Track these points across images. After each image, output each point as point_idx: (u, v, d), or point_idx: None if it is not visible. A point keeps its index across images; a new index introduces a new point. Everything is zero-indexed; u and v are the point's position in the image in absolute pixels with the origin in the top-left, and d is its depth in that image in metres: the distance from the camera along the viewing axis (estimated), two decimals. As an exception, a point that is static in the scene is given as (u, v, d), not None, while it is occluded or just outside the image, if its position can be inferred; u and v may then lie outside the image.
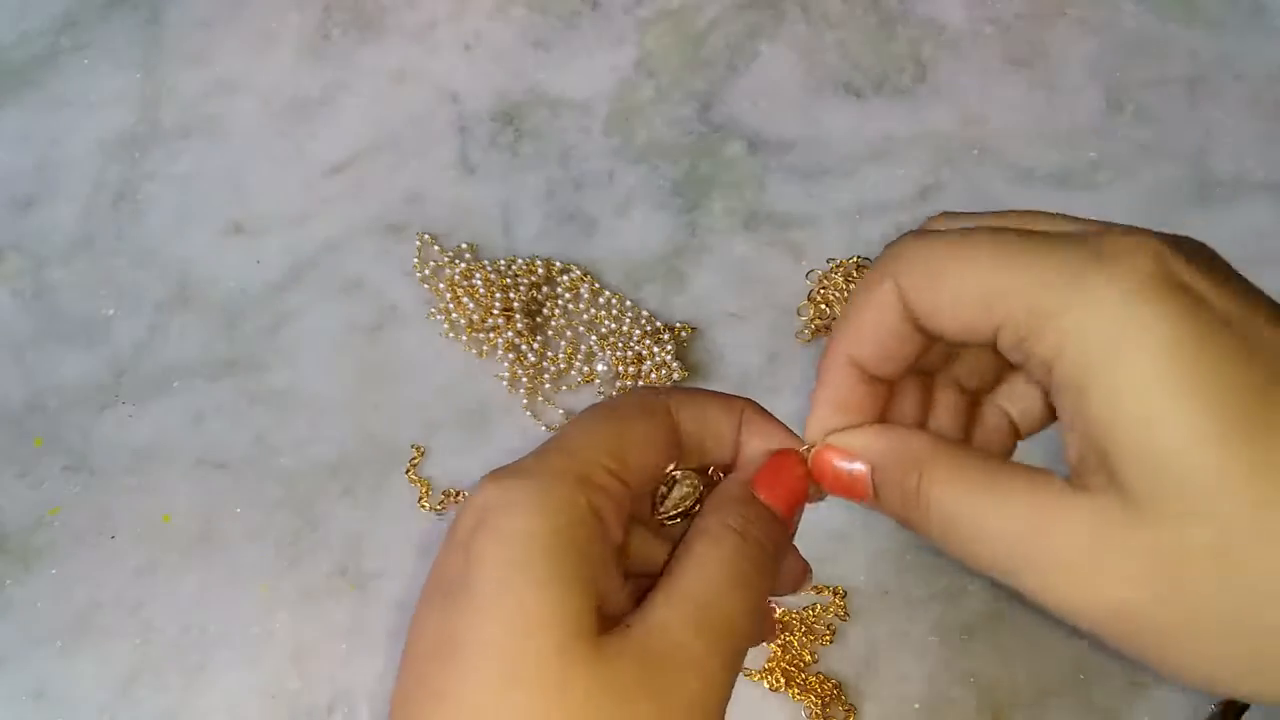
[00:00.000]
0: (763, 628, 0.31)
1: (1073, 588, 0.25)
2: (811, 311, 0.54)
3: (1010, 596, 0.48)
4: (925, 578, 0.48)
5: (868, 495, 0.29)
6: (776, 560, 0.30)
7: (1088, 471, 0.25)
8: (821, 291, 0.54)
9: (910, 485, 0.28)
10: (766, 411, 0.32)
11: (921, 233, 0.28)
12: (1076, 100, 0.59)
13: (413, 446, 0.51)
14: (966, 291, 0.26)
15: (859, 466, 0.29)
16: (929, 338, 0.29)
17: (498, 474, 0.27)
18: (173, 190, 0.57)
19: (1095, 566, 0.24)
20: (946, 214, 0.30)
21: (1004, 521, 0.26)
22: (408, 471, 0.51)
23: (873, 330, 0.29)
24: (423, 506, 0.50)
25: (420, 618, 0.27)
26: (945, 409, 0.32)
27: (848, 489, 0.30)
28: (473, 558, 0.26)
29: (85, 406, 0.52)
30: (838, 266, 0.54)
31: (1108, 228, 0.26)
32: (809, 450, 0.31)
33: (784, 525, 0.30)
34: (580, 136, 0.59)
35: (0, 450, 0.51)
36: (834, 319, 0.54)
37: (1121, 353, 0.23)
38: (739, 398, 0.32)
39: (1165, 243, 0.24)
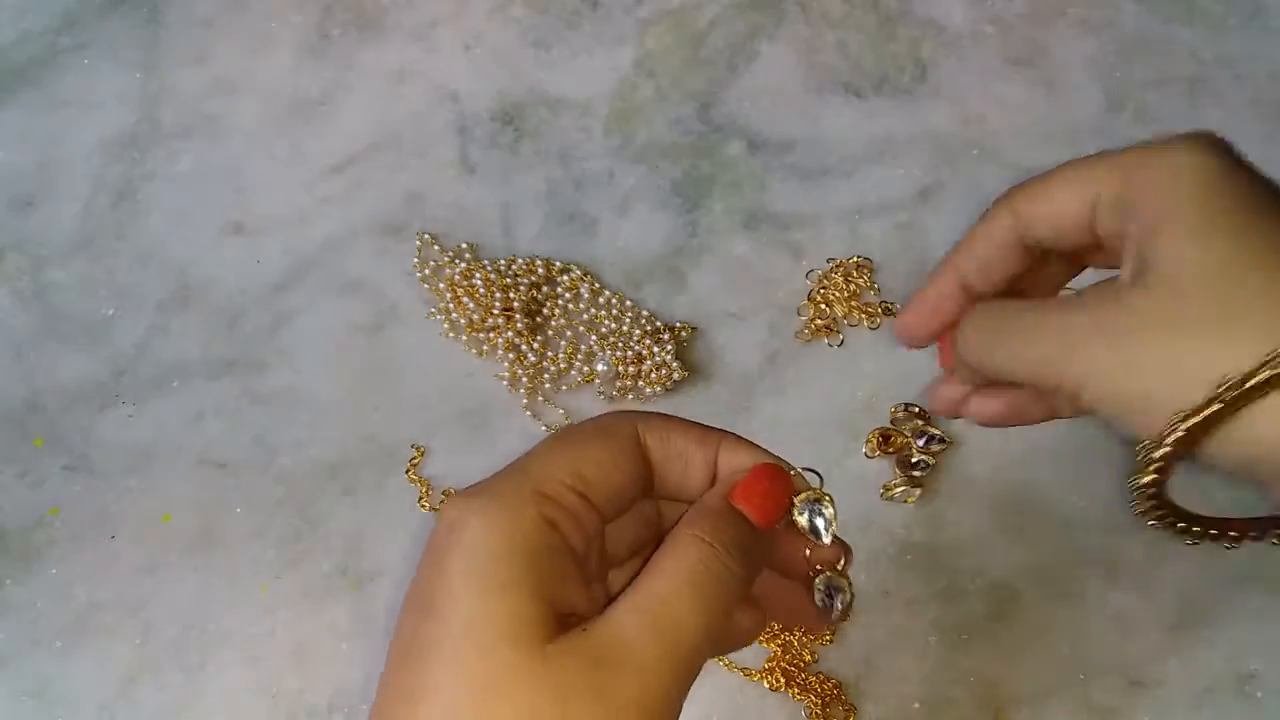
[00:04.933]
0: (730, 637, 0.31)
1: (1088, 354, 0.29)
2: (811, 311, 0.54)
3: (1010, 596, 0.48)
4: (925, 578, 0.48)
5: (949, 361, 0.36)
6: (744, 572, 0.30)
7: (1127, 274, 0.30)
8: (821, 291, 0.54)
9: (964, 325, 0.34)
10: (748, 440, 0.33)
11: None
12: (1076, 100, 0.59)
13: (413, 446, 0.51)
14: (1070, 186, 0.33)
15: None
16: (1031, 256, 0.34)
17: (463, 492, 0.29)
18: (173, 190, 0.57)
19: (1113, 326, 0.29)
20: None
21: (1029, 330, 0.32)
22: (408, 471, 0.51)
23: (983, 245, 0.34)
24: (423, 506, 0.50)
25: (397, 628, 0.29)
26: None
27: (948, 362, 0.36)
28: (439, 570, 0.28)
29: (85, 406, 0.52)
30: (838, 266, 0.54)
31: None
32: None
33: (759, 537, 0.30)
34: (580, 136, 0.59)
35: (0, 450, 0.51)
36: (834, 319, 0.54)
37: (1176, 187, 0.30)
38: (717, 430, 0.33)
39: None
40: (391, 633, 0.50)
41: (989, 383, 0.36)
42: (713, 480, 0.32)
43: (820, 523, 0.32)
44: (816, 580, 0.32)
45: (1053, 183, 0.34)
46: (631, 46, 0.61)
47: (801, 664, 0.47)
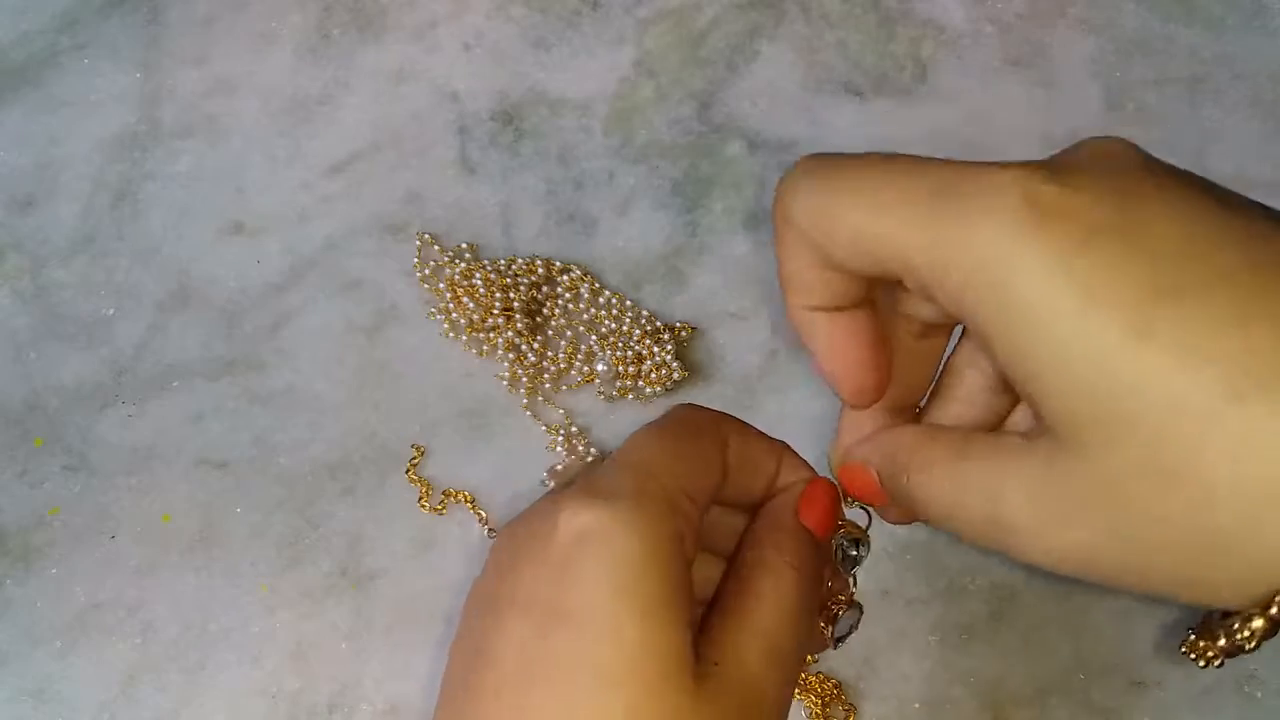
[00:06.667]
0: None
1: (1036, 542, 0.24)
2: (811, 311, 0.54)
3: (1010, 596, 0.48)
4: (925, 578, 0.48)
5: (886, 499, 0.30)
6: (820, 591, 0.30)
7: (1033, 418, 0.25)
8: (821, 291, 0.54)
9: (901, 486, 0.28)
10: (800, 456, 0.33)
11: (809, 163, 0.26)
12: (1076, 100, 0.59)
13: (413, 446, 0.51)
14: (855, 241, 0.25)
15: (874, 480, 0.30)
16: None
17: (587, 494, 0.26)
18: (173, 190, 0.57)
19: (1047, 517, 0.24)
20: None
21: (971, 494, 0.26)
22: (408, 471, 0.51)
23: (808, 278, 0.27)
24: (423, 506, 0.50)
25: (495, 631, 0.26)
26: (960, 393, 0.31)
27: (872, 496, 0.31)
28: (572, 579, 0.25)
29: (85, 406, 0.52)
30: (838, 266, 0.54)
31: (968, 166, 0.24)
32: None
33: (822, 552, 0.31)
34: (580, 136, 0.59)
35: (0, 450, 0.51)
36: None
37: (1008, 292, 0.22)
38: (778, 441, 0.32)
39: (1027, 168, 0.23)
40: (392, 632, 0.50)
41: None
42: (769, 490, 0.32)
43: (855, 553, 0.32)
44: (837, 610, 0.33)
45: (831, 211, 0.25)
46: (631, 46, 0.61)
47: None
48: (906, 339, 0.30)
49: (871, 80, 0.60)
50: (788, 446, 0.32)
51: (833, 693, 0.46)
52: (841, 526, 0.32)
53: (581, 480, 0.28)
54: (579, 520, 0.26)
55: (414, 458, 0.51)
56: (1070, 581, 0.48)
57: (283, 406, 0.52)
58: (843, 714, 0.46)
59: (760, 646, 0.27)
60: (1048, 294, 0.22)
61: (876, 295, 0.29)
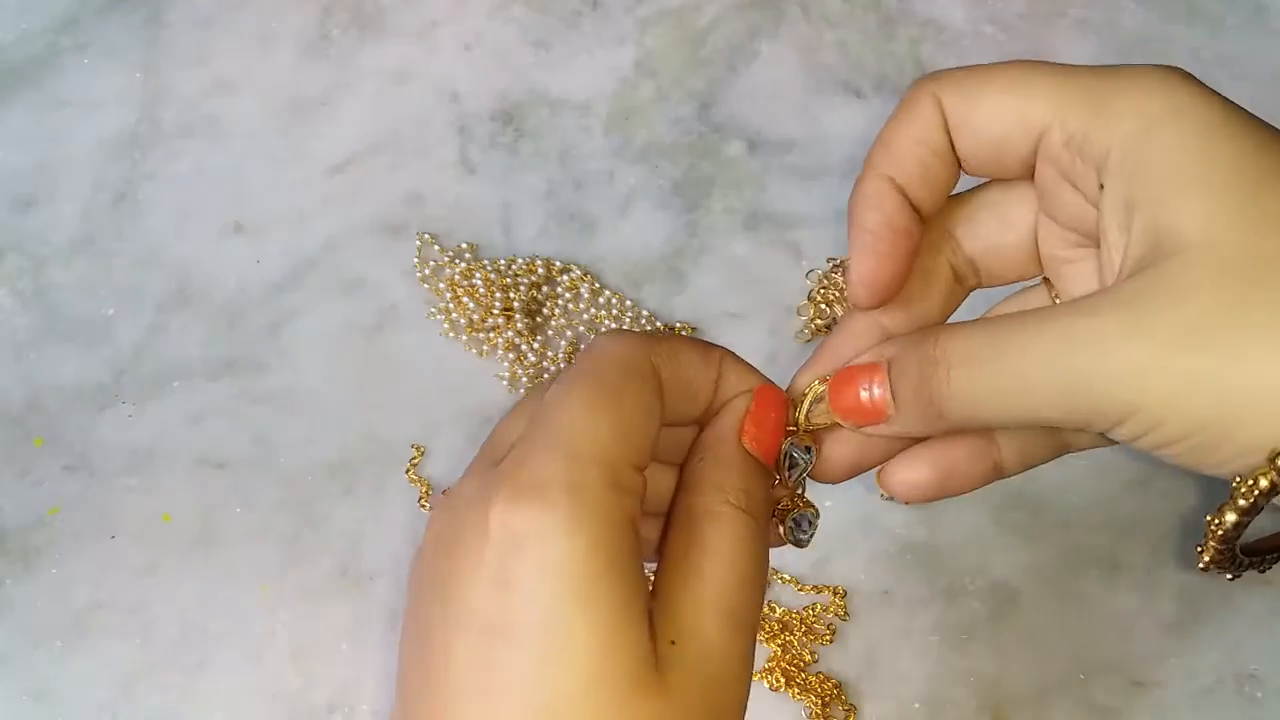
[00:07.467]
0: None
1: (1137, 361, 0.24)
2: (811, 311, 0.54)
3: (1010, 596, 0.48)
4: (925, 578, 0.48)
5: (886, 409, 0.28)
6: (770, 523, 0.29)
7: (1131, 261, 0.25)
8: (821, 291, 0.54)
9: (927, 353, 0.26)
10: (744, 360, 0.30)
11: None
12: (1076, 100, 0.59)
13: (413, 446, 0.51)
14: (1007, 98, 0.27)
15: (877, 390, 0.28)
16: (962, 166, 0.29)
17: (517, 489, 0.24)
18: (173, 190, 0.57)
19: (1157, 321, 0.24)
20: None
21: (1038, 345, 0.25)
22: (408, 471, 0.51)
23: (910, 151, 0.28)
24: (423, 506, 0.50)
25: (440, 644, 0.24)
26: None
27: (867, 411, 0.28)
28: (512, 592, 0.23)
29: (85, 406, 0.52)
30: (838, 266, 0.54)
31: None
32: (822, 382, 0.30)
33: (771, 478, 0.29)
34: (580, 136, 0.59)
35: (0, 450, 0.51)
36: (834, 319, 0.54)
37: (1176, 119, 0.25)
38: (716, 345, 0.30)
39: None
40: (392, 633, 0.50)
41: (912, 442, 0.30)
42: (709, 408, 0.29)
43: (801, 459, 0.30)
44: (791, 514, 0.31)
45: (984, 77, 0.27)
46: (631, 46, 0.61)
47: (801, 664, 0.47)
48: (943, 280, 0.31)
49: (871, 80, 0.60)
50: (728, 352, 0.30)
51: (833, 693, 0.46)
52: (789, 434, 0.30)
53: (509, 463, 0.25)
54: (513, 523, 0.23)
55: (414, 458, 0.51)
56: (1070, 581, 0.48)
57: (283, 406, 0.52)
58: (843, 714, 0.46)
59: (718, 613, 0.25)
60: (1202, 130, 0.26)
61: (929, 235, 0.30)
